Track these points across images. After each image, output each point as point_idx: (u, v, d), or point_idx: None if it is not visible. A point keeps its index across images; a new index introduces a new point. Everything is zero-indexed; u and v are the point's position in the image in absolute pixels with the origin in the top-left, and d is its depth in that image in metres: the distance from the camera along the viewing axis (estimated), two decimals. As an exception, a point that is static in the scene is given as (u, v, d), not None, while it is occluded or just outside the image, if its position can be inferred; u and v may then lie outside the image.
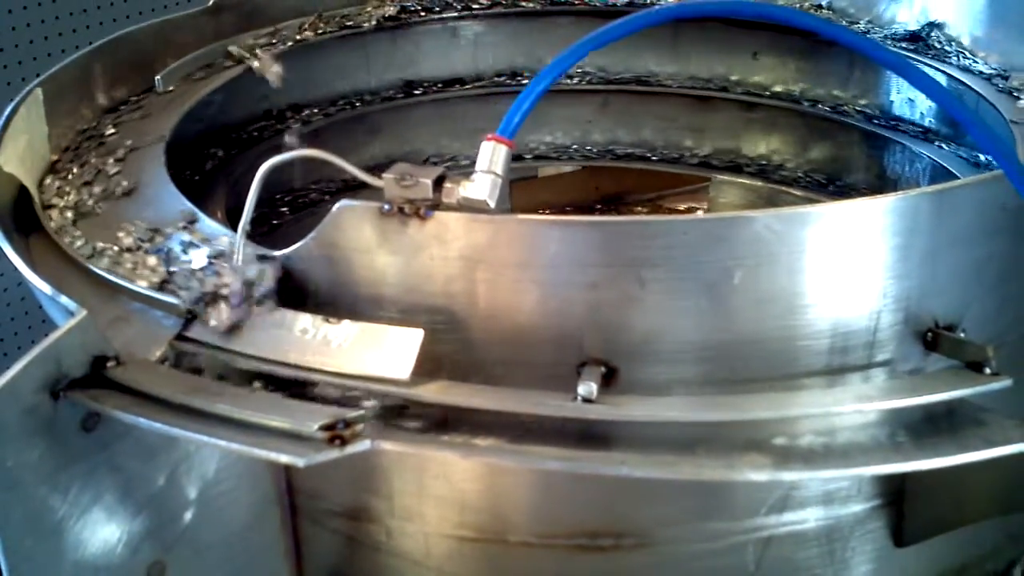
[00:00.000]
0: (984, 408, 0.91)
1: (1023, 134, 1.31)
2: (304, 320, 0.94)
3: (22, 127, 1.29)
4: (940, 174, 1.65)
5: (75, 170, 1.31)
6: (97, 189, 1.25)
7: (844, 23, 1.77)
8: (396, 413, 0.92)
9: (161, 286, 1.02)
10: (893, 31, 1.75)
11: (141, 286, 1.02)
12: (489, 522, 1.01)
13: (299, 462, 0.80)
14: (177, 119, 1.43)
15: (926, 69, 1.59)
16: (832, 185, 1.90)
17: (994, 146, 0.96)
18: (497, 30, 1.95)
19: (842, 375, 0.94)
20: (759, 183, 1.97)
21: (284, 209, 1.78)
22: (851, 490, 0.99)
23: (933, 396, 0.91)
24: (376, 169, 0.95)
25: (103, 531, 0.93)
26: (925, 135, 1.72)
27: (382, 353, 0.91)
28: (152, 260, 1.06)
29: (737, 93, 1.97)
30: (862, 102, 1.83)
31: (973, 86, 1.52)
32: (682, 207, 2.12)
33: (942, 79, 1.57)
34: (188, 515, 0.98)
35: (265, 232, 1.66)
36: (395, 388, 0.90)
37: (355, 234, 0.95)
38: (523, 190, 2.06)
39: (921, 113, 1.74)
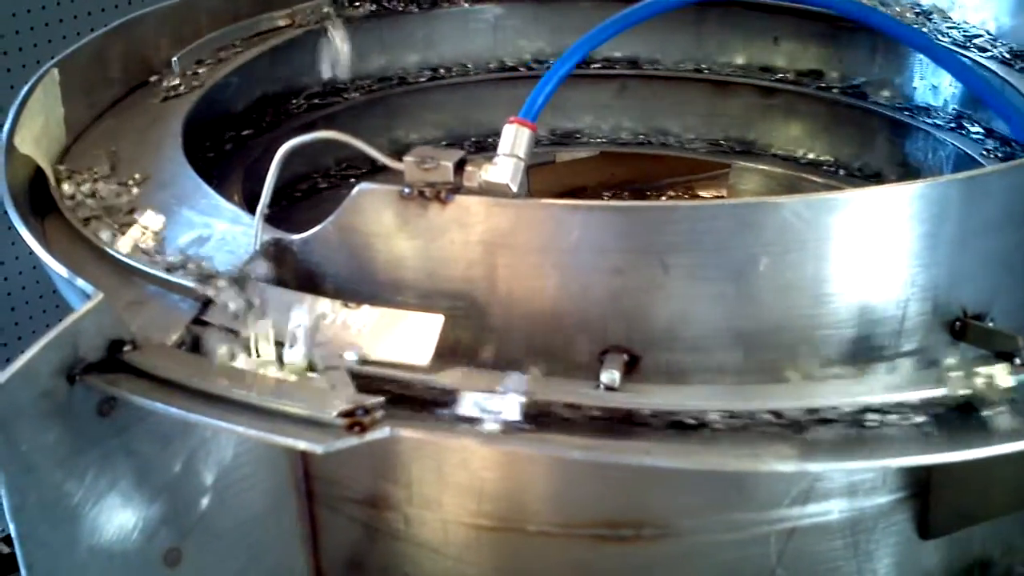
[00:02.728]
0: (1014, 399, 0.89)
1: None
2: (323, 305, 0.93)
3: (38, 108, 1.28)
4: (964, 162, 1.63)
5: (91, 152, 1.30)
6: (113, 172, 1.25)
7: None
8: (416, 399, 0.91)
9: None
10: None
11: (155, 268, 1.01)
12: (508, 511, 1.00)
13: (318, 449, 0.79)
14: (194, 101, 1.42)
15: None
16: (853, 172, 1.88)
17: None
18: (517, 13, 1.94)
19: (869, 364, 0.93)
20: (779, 170, 1.95)
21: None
22: (876, 482, 0.97)
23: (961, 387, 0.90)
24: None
25: (119, 517, 0.92)
26: (949, 121, 1.70)
27: (402, 339, 0.90)
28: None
29: (757, 78, 1.95)
30: (884, 87, 1.81)
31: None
32: (702, 193, 2.10)
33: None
34: (204, 501, 0.97)
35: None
36: (415, 374, 0.89)
37: (375, 218, 0.94)
38: (540, 175, 2.04)
39: (945, 99, 1.72)
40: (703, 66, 1.98)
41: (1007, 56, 1.59)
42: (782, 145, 1.96)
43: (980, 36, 1.66)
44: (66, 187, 1.21)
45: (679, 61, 1.98)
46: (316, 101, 1.76)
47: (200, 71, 1.52)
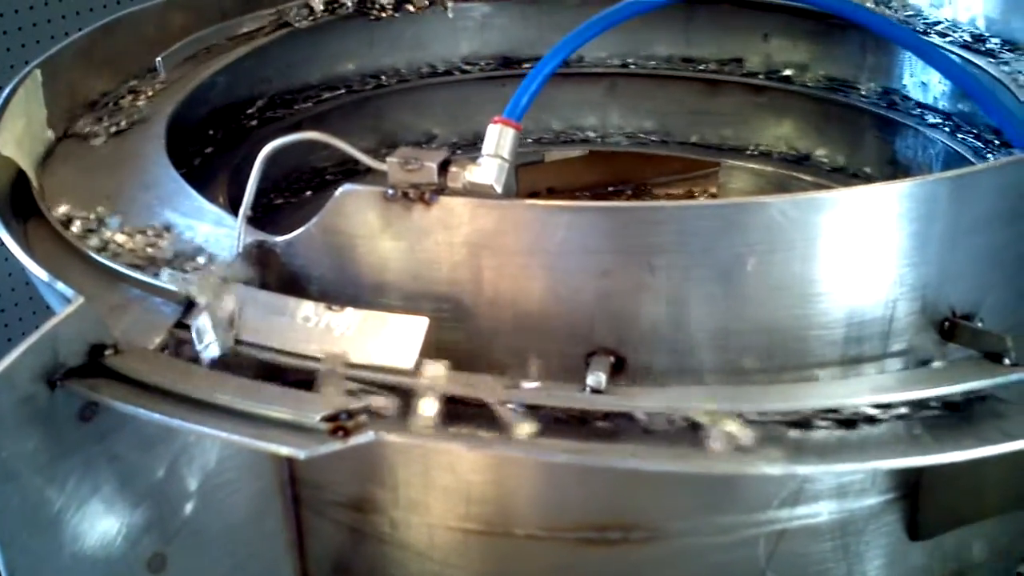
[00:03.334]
0: (1003, 400, 0.89)
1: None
2: (306, 307, 0.92)
3: (20, 110, 1.27)
4: (953, 159, 1.62)
5: (74, 154, 1.29)
6: (97, 173, 1.23)
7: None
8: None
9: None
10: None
11: (140, 272, 1.00)
12: (495, 514, 0.99)
13: (300, 454, 0.78)
14: (178, 102, 1.41)
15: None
16: (843, 170, 1.88)
17: (1017, 130, 0.94)
18: (504, 12, 1.93)
19: (857, 365, 0.92)
20: (769, 168, 1.95)
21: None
22: (865, 483, 0.97)
23: (950, 387, 0.89)
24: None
25: (102, 523, 0.91)
26: (938, 119, 1.69)
27: (386, 341, 0.89)
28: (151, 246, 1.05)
29: (747, 76, 1.94)
30: (874, 85, 1.81)
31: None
32: (691, 192, 2.09)
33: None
34: (189, 506, 0.96)
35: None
36: (400, 378, 0.88)
37: (358, 219, 0.93)
38: (529, 175, 2.04)
39: (934, 97, 1.71)
40: (693, 64, 1.97)
41: (968, 40, 1.61)
42: (772, 143, 1.95)
43: (940, 23, 1.68)
44: (48, 189, 1.19)
45: (669, 58, 1.98)
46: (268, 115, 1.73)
47: (139, 103, 1.44)
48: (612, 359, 0.89)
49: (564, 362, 0.90)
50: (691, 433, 0.85)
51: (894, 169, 1.78)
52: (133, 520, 0.93)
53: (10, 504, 0.85)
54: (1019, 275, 0.96)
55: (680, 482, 0.95)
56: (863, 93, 1.81)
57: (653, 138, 2.02)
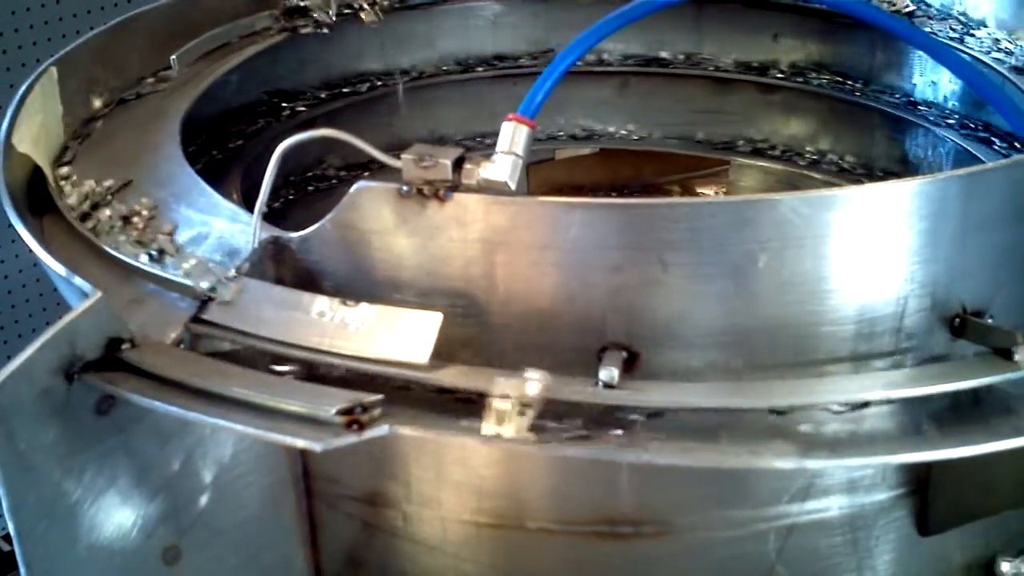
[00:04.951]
0: (1013, 395, 0.89)
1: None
2: (321, 303, 0.93)
3: (36, 107, 1.28)
4: (964, 158, 1.63)
5: (90, 150, 1.30)
6: (112, 169, 1.24)
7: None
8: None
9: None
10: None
11: (155, 267, 1.01)
12: (507, 508, 1.00)
13: (316, 447, 0.78)
14: (192, 99, 1.42)
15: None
16: (853, 169, 1.88)
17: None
18: (516, 10, 1.94)
19: (868, 361, 0.93)
20: (779, 167, 1.95)
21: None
22: (876, 478, 0.97)
23: (960, 383, 0.89)
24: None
25: (118, 515, 0.92)
26: (948, 117, 1.70)
27: (400, 337, 0.90)
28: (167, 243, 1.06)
29: (757, 75, 1.95)
30: (884, 84, 1.81)
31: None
32: (701, 190, 2.10)
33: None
34: (203, 499, 0.97)
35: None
36: (413, 372, 0.89)
37: (373, 216, 0.94)
38: (540, 173, 2.04)
39: (944, 96, 1.71)
40: (703, 63, 1.98)
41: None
42: (782, 142, 1.96)
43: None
44: (64, 185, 1.20)
45: (679, 57, 1.98)
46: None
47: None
48: (624, 354, 0.90)
49: (577, 357, 0.91)
50: (702, 428, 0.85)
51: (905, 167, 1.78)
52: (148, 512, 0.94)
53: (27, 496, 0.86)
54: (1029, 272, 0.97)
55: (691, 477, 0.96)
56: (872, 92, 1.81)
57: (663, 136, 2.02)
